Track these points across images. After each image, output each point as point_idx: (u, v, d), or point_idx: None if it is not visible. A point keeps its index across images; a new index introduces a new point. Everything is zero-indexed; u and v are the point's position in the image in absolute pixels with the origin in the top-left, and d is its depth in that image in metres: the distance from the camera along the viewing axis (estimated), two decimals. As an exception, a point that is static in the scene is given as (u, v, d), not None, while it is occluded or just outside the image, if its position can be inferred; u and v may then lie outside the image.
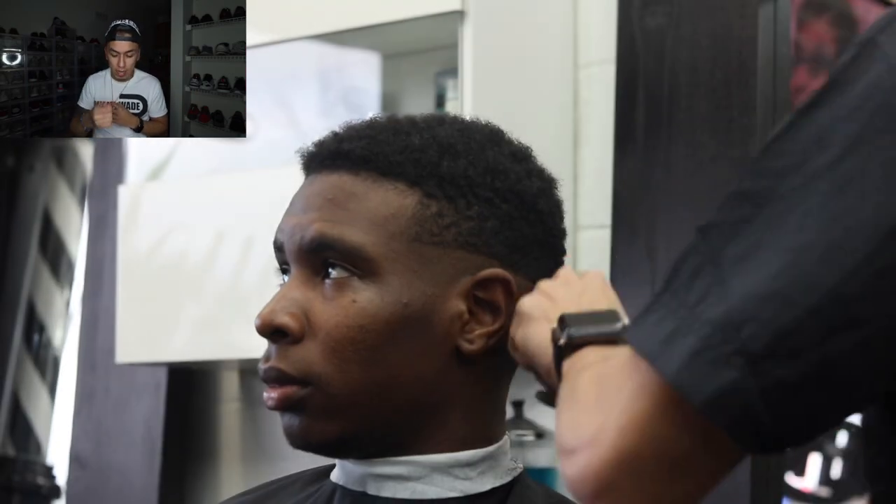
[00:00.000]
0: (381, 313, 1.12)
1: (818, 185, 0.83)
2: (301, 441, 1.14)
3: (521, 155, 1.20)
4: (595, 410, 0.89)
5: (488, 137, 1.20)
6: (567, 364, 1.02)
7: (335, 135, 1.18)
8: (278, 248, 1.17)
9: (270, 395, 1.13)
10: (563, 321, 1.04)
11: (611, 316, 1.05)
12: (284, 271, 1.18)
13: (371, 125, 1.18)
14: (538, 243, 1.19)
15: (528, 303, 1.13)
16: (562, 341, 1.03)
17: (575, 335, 1.03)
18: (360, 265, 1.12)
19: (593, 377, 0.94)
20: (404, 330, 1.12)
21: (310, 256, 1.14)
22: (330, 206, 1.14)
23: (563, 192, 1.23)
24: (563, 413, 0.95)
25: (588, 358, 1.00)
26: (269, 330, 1.13)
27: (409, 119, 1.19)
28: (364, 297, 1.12)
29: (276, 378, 1.13)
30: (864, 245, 0.82)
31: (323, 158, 1.17)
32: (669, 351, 0.84)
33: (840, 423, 0.94)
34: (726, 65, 2.28)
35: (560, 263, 1.21)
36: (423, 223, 1.14)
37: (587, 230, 2.43)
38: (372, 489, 1.15)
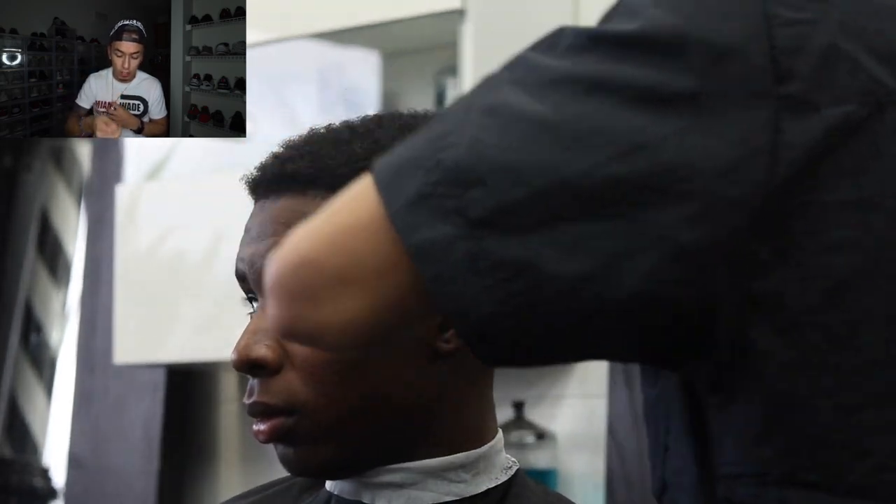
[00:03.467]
0: None
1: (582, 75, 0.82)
2: (299, 468, 1.14)
3: None
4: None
5: None
6: None
7: (276, 157, 1.16)
8: (241, 277, 1.16)
9: (260, 428, 1.13)
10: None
11: None
12: (251, 299, 1.18)
13: (310, 140, 1.16)
14: None
15: None
16: None
17: None
18: None
19: None
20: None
21: None
22: (284, 230, 1.10)
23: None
24: None
25: None
26: (247, 365, 1.12)
27: (348, 126, 1.16)
28: None
29: (263, 412, 1.12)
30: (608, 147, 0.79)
31: (269, 183, 1.15)
32: (399, 184, 0.81)
33: (566, 347, 0.84)
34: (728, 64, 2.27)
35: None
36: None
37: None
38: (367, 498, 1.15)
